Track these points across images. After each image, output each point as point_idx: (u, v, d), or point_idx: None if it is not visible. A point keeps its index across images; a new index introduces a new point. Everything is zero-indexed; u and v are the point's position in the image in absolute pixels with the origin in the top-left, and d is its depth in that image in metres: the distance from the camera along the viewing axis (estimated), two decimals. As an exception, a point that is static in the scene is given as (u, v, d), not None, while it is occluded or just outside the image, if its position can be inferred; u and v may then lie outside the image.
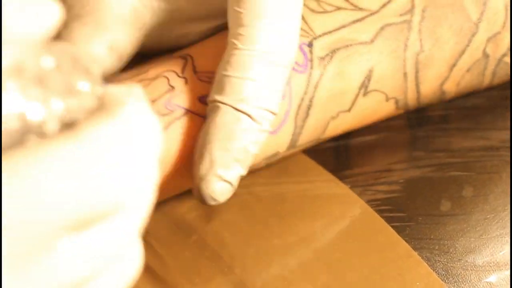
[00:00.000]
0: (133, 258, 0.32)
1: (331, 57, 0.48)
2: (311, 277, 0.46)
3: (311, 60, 0.47)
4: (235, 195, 0.49)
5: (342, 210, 0.49)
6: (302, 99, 0.47)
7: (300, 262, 0.46)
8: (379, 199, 0.50)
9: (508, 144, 0.52)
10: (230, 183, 0.44)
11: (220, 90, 0.44)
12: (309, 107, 0.47)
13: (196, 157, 0.44)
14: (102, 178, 0.28)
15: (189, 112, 0.46)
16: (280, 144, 0.48)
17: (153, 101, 0.46)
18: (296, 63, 0.47)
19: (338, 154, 0.52)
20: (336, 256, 0.47)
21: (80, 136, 0.28)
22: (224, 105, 0.43)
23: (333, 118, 0.49)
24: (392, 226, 0.48)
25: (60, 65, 0.29)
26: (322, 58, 0.48)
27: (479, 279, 0.46)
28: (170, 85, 0.46)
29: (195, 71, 0.47)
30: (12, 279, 0.27)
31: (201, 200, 0.44)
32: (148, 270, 0.47)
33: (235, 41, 0.44)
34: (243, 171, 0.44)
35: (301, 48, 0.47)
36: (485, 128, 0.54)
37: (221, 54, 0.46)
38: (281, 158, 0.49)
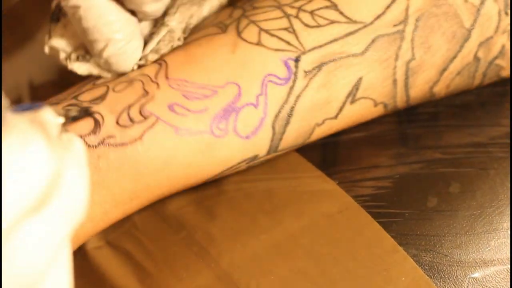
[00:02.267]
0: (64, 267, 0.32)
1: (319, 69, 0.48)
2: (298, 271, 0.46)
3: (295, 73, 0.48)
4: (224, 191, 0.49)
5: (330, 205, 0.49)
6: (282, 107, 0.48)
7: (287, 257, 0.47)
8: (367, 195, 0.50)
9: (497, 141, 0.52)
10: None
11: None
12: (289, 115, 0.48)
13: None
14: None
15: (159, 120, 0.46)
16: (259, 148, 0.48)
17: (130, 106, 0.47)
18: (275, 76, 0.47)
19: (327, 150, 0.52)
20: (323, 251, 0.47)
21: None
22: None
23: (318, 124, 0.49)
24: (379, 222, 0.48)
25: None
26: (309, 72, 0.48)
27: (464, 274, 0.46)
28: (145, 89, 0.47)
29: (167, 77, 0.47)
30: None
31: None
32: (136, 265, 0.47)
33: None
34: None
35: (285, 63, 0.47)
36: (474, 124, 0.54)
37: (191, 61, 0.47)
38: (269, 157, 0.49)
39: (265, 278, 0.46)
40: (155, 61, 0.48)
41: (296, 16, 0.48)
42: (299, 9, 0.48)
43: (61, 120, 0.32)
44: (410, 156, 0.52)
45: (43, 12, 0.57)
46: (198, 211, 0.49)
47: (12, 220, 0.29)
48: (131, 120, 0.46)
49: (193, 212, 0.49)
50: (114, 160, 0.46)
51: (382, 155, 0.52)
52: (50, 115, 0.31)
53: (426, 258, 0.46)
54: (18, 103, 0.54)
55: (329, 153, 0.52)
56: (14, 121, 0.29)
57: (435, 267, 0.46)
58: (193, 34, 0.50)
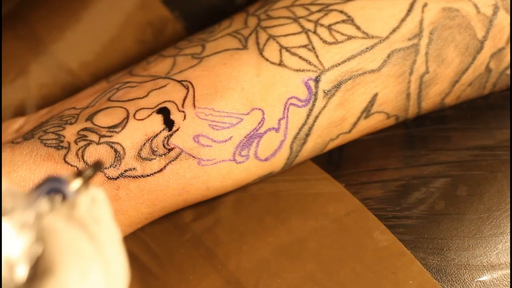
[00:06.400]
0: None
1: (337, 88, 0.48)
2: (305, 274, 0.46)
3: (315, 94, 0.47)
4: (230, 193, 0.49)
5: (337, 208, 0.49)
6: (300, 129, 0.47)
7: (294, 260, 0.46)
8: (373, 197, 0.50)
9: (504, 144, 0.52)
10: None
11: None
12: (307, 135, 0.48)
13: None
14: None
15: (183, 152, 0.46)
16: (275, 166, 0.48)
17: (153, 137, 0.46)
18: (297, 98, 0.47)
19: (333, 152, 0.52)
20: (330, 253, 0.47)
21: None
22: None
23: (332, 140, 0.49)
24: (386, 225, 0.48)
25: None
26: (328, 91, 0.47)
27: (472, 278, 0.46)
28: (170, 118, 0.46)
29: (194, 105, 0.47)
30: None
31: None
32: (143, 268, 0.47)
33: None
34: None
35: (306, 84, 0.47)
36: (481, 128, 0.54)
37: (218, 86, 0.46)
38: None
39: (272, 281, 0.46)
40: (178, 81, 0.48)
41: (315, 32, 0.48)
42: (317, 23, 0.48)
43: (78, 183, 0.33)
44: (417, 158, 0.52)
45: (48, 11, 0.57)
46: (203, 212, 0.49)
47: None
48: (153, 152, 0.46)
49: (200, 214, 0.49)
50: (133, 190, 0.46)
51: (390, 157, 0.52)
52: (71, 190, 0.32)
53: (433, 261, 0.46)
54: (23, 106, 0.54)
55: (336, 155, 0.52)
56: (65, 238, 0.30)
57: (443, 270, 0.46)
58: (209, 42, 0.49)
